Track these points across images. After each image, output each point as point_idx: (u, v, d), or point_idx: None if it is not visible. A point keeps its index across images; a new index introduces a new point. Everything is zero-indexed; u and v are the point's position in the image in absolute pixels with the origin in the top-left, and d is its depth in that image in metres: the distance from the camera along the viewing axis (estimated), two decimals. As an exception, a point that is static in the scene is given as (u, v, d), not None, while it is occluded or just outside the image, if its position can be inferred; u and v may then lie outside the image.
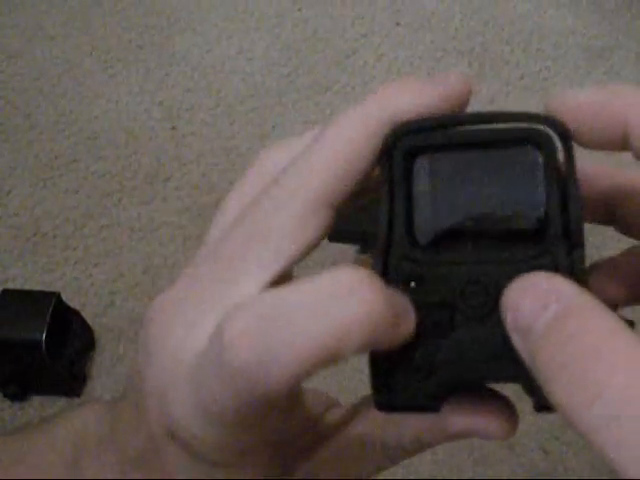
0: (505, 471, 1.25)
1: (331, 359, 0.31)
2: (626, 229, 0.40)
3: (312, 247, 0.36)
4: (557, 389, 0.29)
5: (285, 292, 0.32)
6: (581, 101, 0.34)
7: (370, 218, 0.38)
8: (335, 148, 0.35)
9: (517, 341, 0.31)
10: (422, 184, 0.36)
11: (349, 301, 0.31)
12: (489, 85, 1.74)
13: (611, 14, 1.88)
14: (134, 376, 0.38)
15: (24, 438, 0.44)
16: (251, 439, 0.36)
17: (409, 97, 0.35)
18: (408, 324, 0.34)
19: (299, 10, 1.91)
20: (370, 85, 1.75)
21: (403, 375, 0.34)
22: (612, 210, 0.40)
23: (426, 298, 0.35)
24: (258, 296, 0.33)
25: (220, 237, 0.37)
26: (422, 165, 0.36)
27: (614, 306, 0.38)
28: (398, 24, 1.88)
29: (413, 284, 0.35)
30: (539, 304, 0.30)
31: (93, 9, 1.91)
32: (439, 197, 0.36)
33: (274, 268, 0.35)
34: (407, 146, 0.35)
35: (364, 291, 0.31)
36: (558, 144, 0.34)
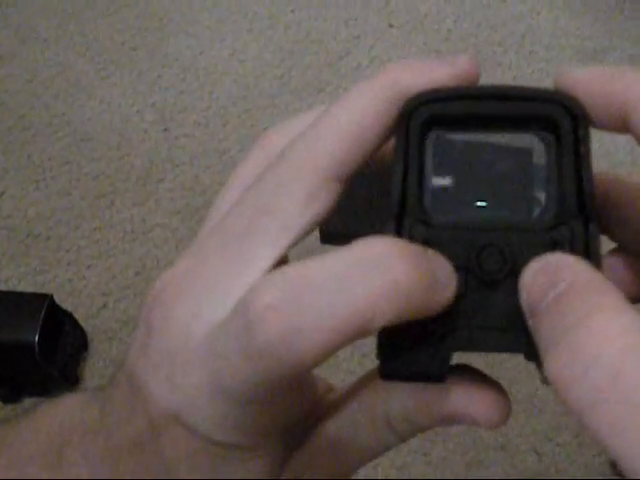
0: (498, 473, 1.25)
1: (359, 334, 0.31)
2: (618, 238, 0.40)
3: (320, 222, 0.36)
4: (550, 361, 0.28)
5: (310, 266, 0.31)
6: (582, 79, 0.34)
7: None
8: (344, 123, 0.35)
9: (529, 319, 0.31)
10: (437, 157, 0.36)
11: (374, 274, 0.31)
12: (482, 87, 1.74)
13: (604, 16, 1.89)
14: (130, 360, 0.37)
15: (9, 428, 0.43)
16: (263, 419, 0.35)
17: (419, 75, 0.35)
18: (448, 290, 0.33)
19: (292, 12, 1.91)
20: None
21: (412, 341, 0.34)
22: (606, 218, 0.40)
23: None
24: (282, 270, 0.32)
25: (226, 212, 0.37)
26: (438, 138, 0.36)
27: None
28: (391, 26, 1.88)
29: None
30: (549, 282, 0.30)
31: (86, 11, 1.91)
32: (453, 170, 0.36)
33: (283, 242, 0.35)
34: (425, 115, 0.35)
35: (391, 261, 0.31)
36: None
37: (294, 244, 0.35)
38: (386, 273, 0.31)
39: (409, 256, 0.31)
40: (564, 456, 1.26)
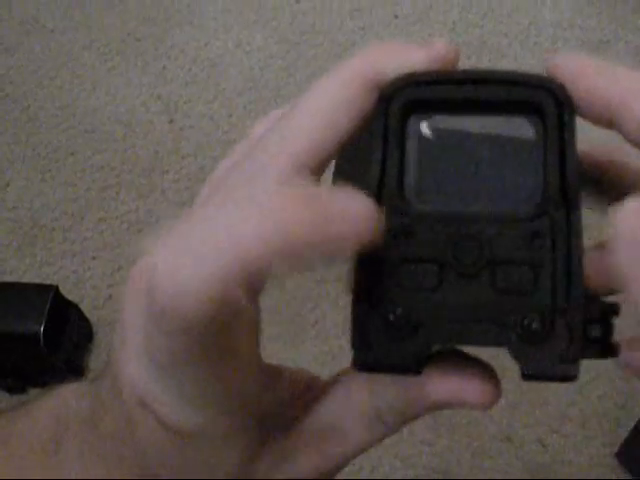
0: (503, 463, 1.25)
1: (247, 278, 0.30)
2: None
3: None
4: None
5: (195, 221, 0.31)
6: (573, 68, 0.34)
7: (364, 168, 0.37)
8: (317, 108, 0.35)
9: (619, 254, 0.30)
10: (417, 143, 0.35)
11: (248, 217, 0.30)
12: (487, 78, 1.74)
13: (609, 7, 1.88)
14: (112, 351, 0.37)
15: (6, 421, 0.43)
16: (207, 390, 0.34)
17: (395, 57, 0.35)
18: (351, 225, 0.31)
19: (297, 2, 1.91)
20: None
21: (385, 332, 0.33)
22: (609, 199, 0.39)
23: (415, 252, 0.34)
24: (170, 231, 0.31)
25: (201, 202, 0.37)
26: (418, 124, 0.35)
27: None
28: (396, 17, 1.87)
29: (403, 237, 0.34)
30: None
31: (91, 2, 1.91)
32: (433, 157, 0.35)
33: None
34: (405, 99, 0.35)
35: (268, 203, 0.30)
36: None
37: None
38: (262, 215, 0.30)
39: (292, 195, 0.31)
40: (569, 447, 1.26)
